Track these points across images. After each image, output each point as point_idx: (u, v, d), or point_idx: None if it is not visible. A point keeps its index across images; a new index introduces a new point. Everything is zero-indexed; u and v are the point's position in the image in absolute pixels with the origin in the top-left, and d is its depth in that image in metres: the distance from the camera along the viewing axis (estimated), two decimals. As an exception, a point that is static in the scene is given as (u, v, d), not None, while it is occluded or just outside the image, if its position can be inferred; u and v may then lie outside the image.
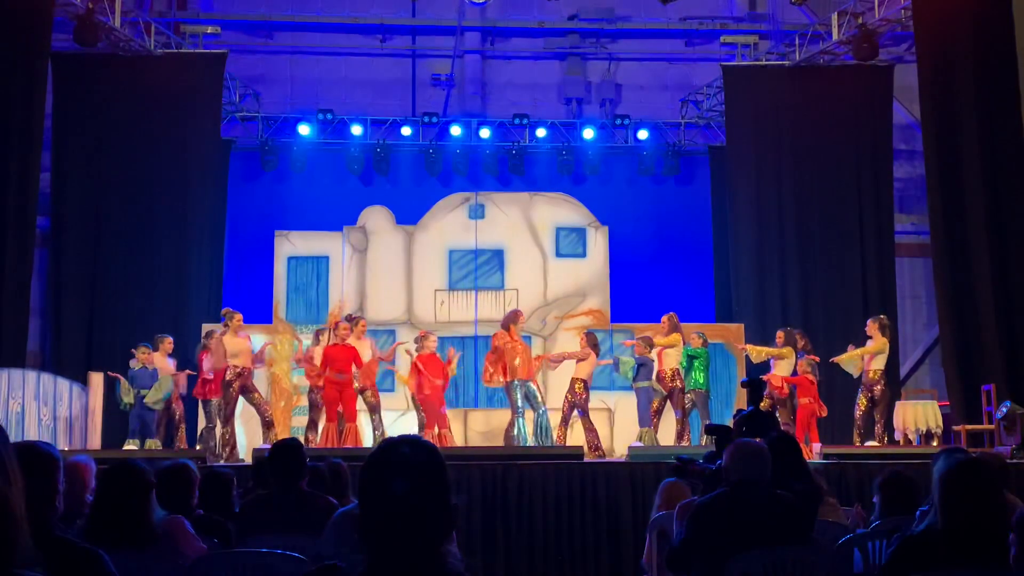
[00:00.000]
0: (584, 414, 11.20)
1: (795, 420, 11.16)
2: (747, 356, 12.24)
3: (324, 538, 4.11)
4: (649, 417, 11.32)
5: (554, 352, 12.34)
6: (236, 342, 10.97)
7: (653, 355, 11.49)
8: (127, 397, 10.96)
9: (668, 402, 11.44)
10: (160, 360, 11.22)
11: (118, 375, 11.13)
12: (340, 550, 3.81)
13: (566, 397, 11.31)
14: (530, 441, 10.88)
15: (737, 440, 4.45)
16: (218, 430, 10.90)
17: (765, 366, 11.88)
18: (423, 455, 2.10)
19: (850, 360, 11.53)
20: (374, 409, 11.06)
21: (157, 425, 11.06)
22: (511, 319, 11.35)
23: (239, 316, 11.15)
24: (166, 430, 11.34)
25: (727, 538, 4.07)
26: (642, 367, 11.43)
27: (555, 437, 11.16)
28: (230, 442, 10.86)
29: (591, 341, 11.51)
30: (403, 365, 11.99)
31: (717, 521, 4.14)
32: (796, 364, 11.51)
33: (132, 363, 11.19)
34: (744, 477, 4.18)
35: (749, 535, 4.05)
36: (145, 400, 10.87)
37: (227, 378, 10.85)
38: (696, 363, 11.47)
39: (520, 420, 10.93)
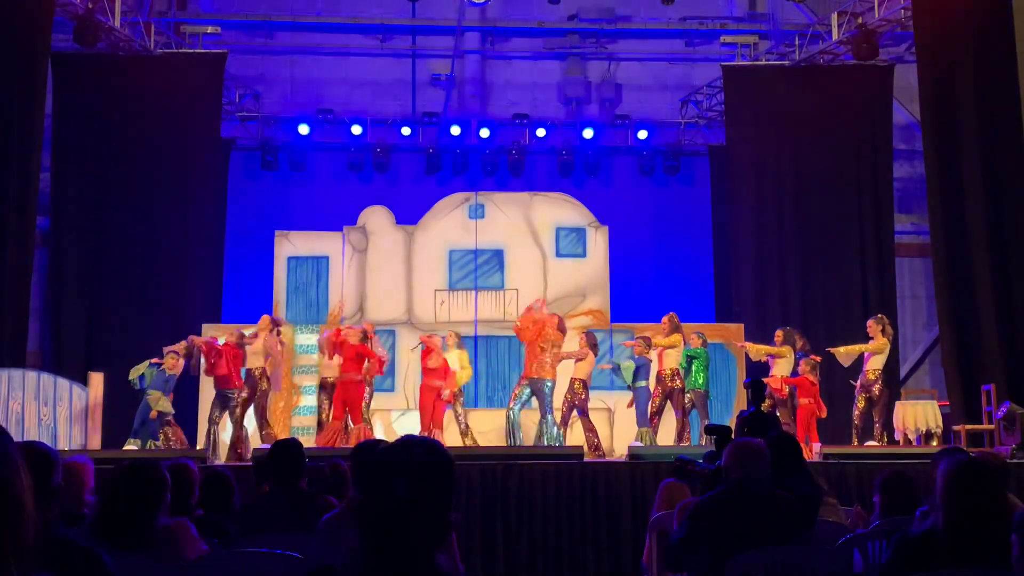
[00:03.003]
0: (584, 414, 11.18)
1: (795, 420, 11.16)
2: (747, 356, 12.24)
3: (315, 540, 4.10)
4: (647, 417, 11.31)
5: None
6: (269, 343, 11.04)
7: (652, 355, 11.49)
8: (137, 375, 11.02)
9: (668, 402, 11.43)
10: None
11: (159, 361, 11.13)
12: (331, 551, 3.81)
13: (565, 397, 11.28)
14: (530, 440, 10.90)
15: (737, 439, 4.45)
16: (222, 427, 10.90)
17: (766, 367, 11.87)
18: (435, 461, 2.07)
19: (847, 353, 11.54)
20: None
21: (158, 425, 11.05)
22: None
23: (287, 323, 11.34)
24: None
25: (726, 537, 4.06)
26: (640, 368, 11.43)
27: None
28: (239, 442, 10.84)
29: (590, 341, 11.48)
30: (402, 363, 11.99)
31: (716, 520, 4.14)
32: (796, 364, 11.51)
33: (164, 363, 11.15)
34: (743, 476, 4.17)
35: (748, 535, 4.05)
36: (148, 399, 10.86)
37: (256, 377, 10.89)
38: (695, 363, 11.46)
39: (550, 418, 10.90)
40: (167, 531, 3.85)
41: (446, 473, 2.07)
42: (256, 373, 10.95)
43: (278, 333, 11.20)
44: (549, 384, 10.83)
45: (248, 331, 11.28)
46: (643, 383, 11.38)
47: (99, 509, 3.79)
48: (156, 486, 3.79)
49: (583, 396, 11.15)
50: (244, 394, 10.84)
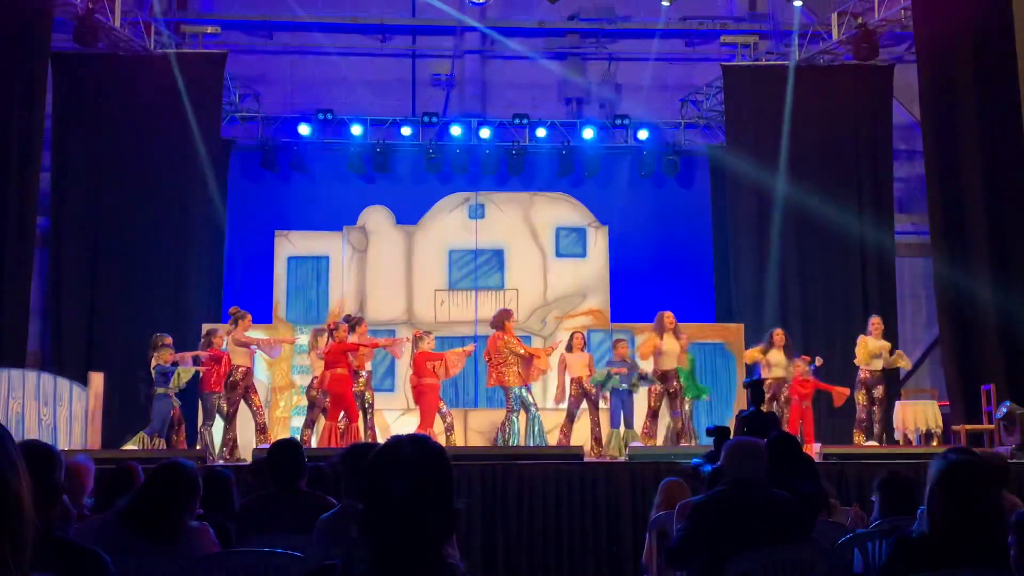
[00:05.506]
0: (594, 406, 11.23)
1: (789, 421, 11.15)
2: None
3: (312, 541, 4.10)
4: (619, 419, 11.35)
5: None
6: (237, 338, 10.98)
7: (638, 359, 11.51)
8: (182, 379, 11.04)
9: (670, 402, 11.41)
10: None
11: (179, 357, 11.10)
12: (329, 552, 3.80)
13: (570, 394, 11.30)
14: (521, 441, 10.89)
15: (733, 438, 4.45)
16: (218, 429, 10.89)
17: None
18: (427, 455, 2.09)
19: (899, 358, 11.63)
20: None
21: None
22: (506, 318, 11.34)
23: (248, 317, 11.15)
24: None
25: (725, 536, 4.06)
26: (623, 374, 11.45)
27: (553, 438, 11.16)
28: (230, 442, 10.86)
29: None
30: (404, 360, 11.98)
31: (715, 519, 4.14)
32: (789, 366, 11.39)
33: (160, 357, 11.09)
34: (741, 476, 4.18)
35: (747, 534, 4.05)
36: (170, 384, 10.86)
37: (233, 378, 10.85)
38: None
39: (514, 418, 10.94)
40: (193, 531, 3.91)
41: (442, 464, 2.09)
42: (241, 369, 10.91)
43: (235, 324, 11.10)
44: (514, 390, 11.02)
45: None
46: (625, 386, 11.40)
47: (134, 502, 3.85)
48: (193, 487, 3.89)
49: (592, 390, 11.21)
50: (231, 395, 10.88)
